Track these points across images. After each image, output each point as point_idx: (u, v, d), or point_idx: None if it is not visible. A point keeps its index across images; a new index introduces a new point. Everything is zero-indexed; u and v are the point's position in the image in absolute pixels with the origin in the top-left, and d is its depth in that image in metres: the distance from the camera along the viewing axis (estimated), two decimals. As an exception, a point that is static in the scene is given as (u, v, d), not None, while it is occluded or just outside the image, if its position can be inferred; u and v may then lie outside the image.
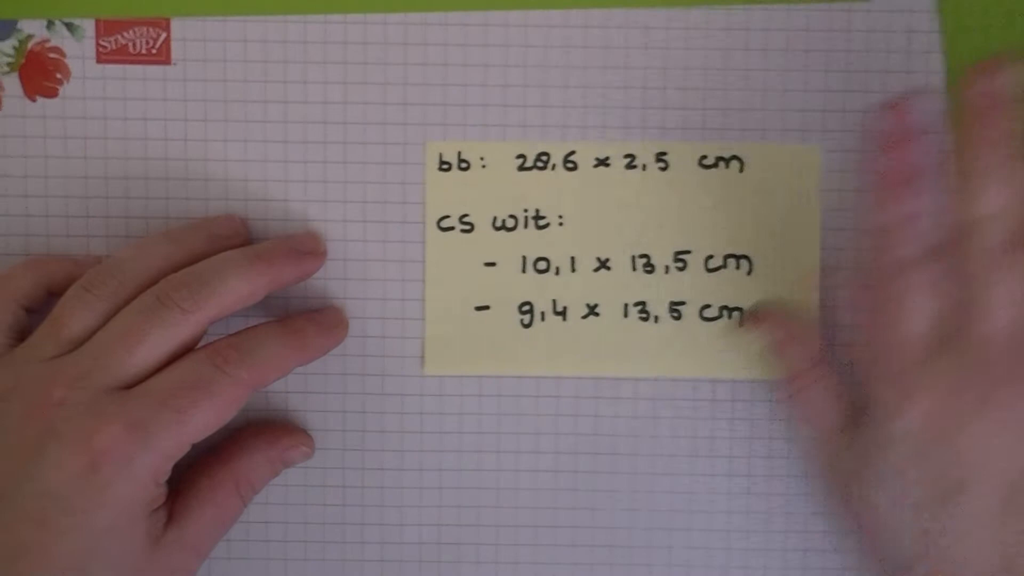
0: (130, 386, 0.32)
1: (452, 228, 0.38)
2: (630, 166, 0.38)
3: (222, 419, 0.32)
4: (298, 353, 0.35)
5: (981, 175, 0.32)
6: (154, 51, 0.37)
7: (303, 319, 0.36)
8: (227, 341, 0.33)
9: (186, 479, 0.35)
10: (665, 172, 0.38)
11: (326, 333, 0.36)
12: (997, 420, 0.31)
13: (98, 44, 0.37)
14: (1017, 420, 0.31)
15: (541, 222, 0.38)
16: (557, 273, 0.38)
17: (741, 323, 0.37)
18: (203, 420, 0.32)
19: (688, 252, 0.38)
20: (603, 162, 0.37)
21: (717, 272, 0.38)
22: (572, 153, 0.37)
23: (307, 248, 0.36)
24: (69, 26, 0.37)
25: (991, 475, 0.31)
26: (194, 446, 0.32)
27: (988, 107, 0.32)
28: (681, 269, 0.38)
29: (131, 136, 0.37)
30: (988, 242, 0.31)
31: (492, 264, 0.38)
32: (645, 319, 0.38)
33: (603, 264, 0.38)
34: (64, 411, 0.31)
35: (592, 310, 0.38)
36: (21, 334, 0.35)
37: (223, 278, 0.33)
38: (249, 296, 0.34)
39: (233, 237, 0.36)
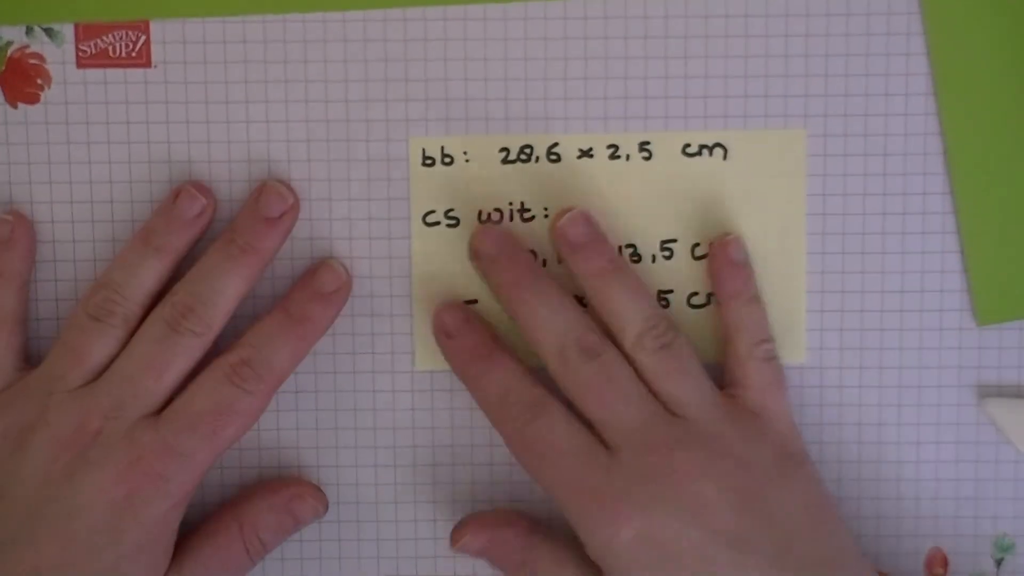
0: (159, 410, 0.34)
1: (438, 223, 0.38)
2: (613, 156, 0.38)
3: (249, 427, 0.35)
4: (310, 339, 0.36)
5: (530, 315, 0.35)
6: (134, 54, 0.37)
7: (305, 297, 0.36)
8: (239, 356, 0.34)
9: (193, 528, 0.36)
10: (649, 162, 0.38)
11: (332, 302, 0.36)
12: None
13: (78, 49, 0.37)
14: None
15: (527, 215, 0.38)
16: (544, 265, 0.38)
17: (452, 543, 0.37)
18: (232, 435, 0.34)
19: (674, 241, 0.38)
20: (586, 153, 0.37)
21: (704, 260, 0.38)
22: (555, 145, 0.37)
23: (273, 211, 0.36)
24: (48, 31, 0.37)
25: None
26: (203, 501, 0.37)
27: (499, 257, 0.36)
28: (668, 258, 0.38)
29: (114, 140, 0.37)
30: (577, 362, 0.34)
31: (479, 258, 0.38)
32: (633, 309, 0.38)
33: (589, 255, 0.38)
34: (101, 440, 0.33)
35: (580, 301, 0.38)
36: (27, 355, 0.36)
37: (220, 289, 0.35)
38: (246, 291, 0.35)
39: (202, 214, 0.36)
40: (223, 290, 0.35)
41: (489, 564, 0.36)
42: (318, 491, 0.37)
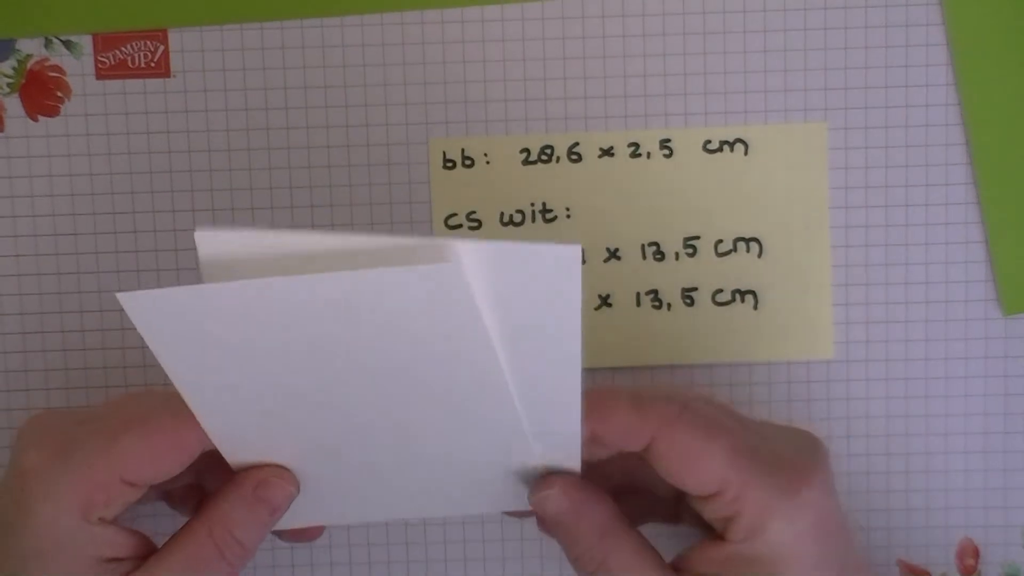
0: None
1: (460, 226, 0.38)
2: (635, 155, 0.37)
3: (159, 456, 0.31)
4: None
5: None
6: (153, 64, 0.37)
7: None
8: None
9: (163, 545, 0.32)
10: (670, 159, 0.37)
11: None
12: None
13: (97, 60, 0.37)
14: None
15: (549, 215, 0.38)
16: (567, 265, 0.38)
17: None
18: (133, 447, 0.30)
19: (697, 237, 0.38)
20: (607, 152, 0.37)
21: (727, 256, 0.38)
22: (576, 145, 0.37)
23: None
24: (67, 43, 0.37)
25: None
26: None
27: None
28: (691, 255, 0.38)
29: (135, 151, 0.37)
30: None
31: (502, 260, 0.38)
32: (658, 307, 0.38)
33: (613, 254, 0.38)
34: None
35: (605, 301, 0.38)
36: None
37: None
38: None
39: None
40: None
41: (562, 539, 0.31)
42: (285, 471, 0.32)
